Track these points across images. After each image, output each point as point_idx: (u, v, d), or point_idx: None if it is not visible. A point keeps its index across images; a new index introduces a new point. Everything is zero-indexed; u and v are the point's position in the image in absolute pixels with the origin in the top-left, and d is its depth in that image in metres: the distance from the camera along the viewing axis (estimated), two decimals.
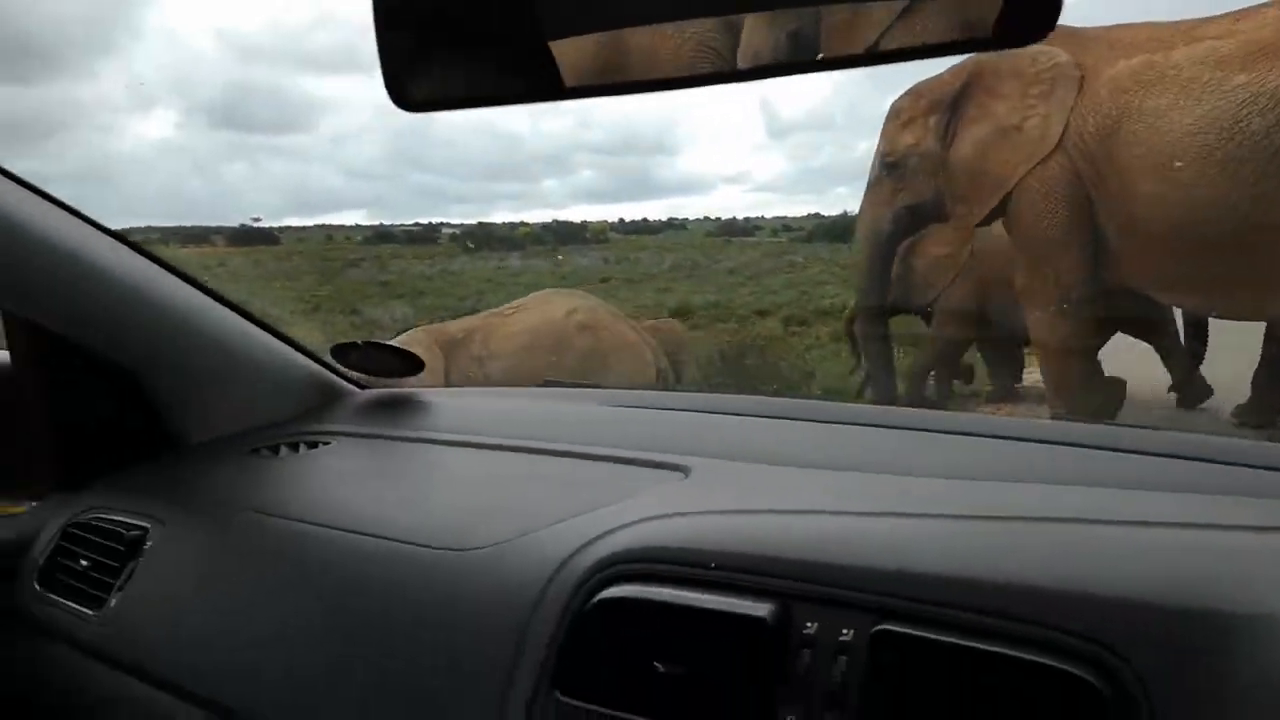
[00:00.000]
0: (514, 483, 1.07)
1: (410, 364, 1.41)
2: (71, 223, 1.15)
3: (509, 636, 0.80)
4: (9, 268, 1.11)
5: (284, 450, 1.27)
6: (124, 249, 1.20)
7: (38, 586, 1.18)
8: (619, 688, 0.74)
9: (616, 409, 1.30)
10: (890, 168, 6.13)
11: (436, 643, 0.84)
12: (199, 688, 0.97)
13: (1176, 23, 4.93)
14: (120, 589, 1.09)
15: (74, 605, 1.12)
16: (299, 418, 1.38)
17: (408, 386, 1.50)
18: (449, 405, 1.40)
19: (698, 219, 23.21)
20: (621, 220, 24.04)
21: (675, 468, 1.00)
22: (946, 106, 5.80)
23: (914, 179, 6.00)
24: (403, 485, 1.14)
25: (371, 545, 0.95)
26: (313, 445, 1.27)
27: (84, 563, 1.15)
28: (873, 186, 6.30)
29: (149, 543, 1.11)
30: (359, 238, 19.95)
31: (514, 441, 1.17)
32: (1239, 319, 5.11)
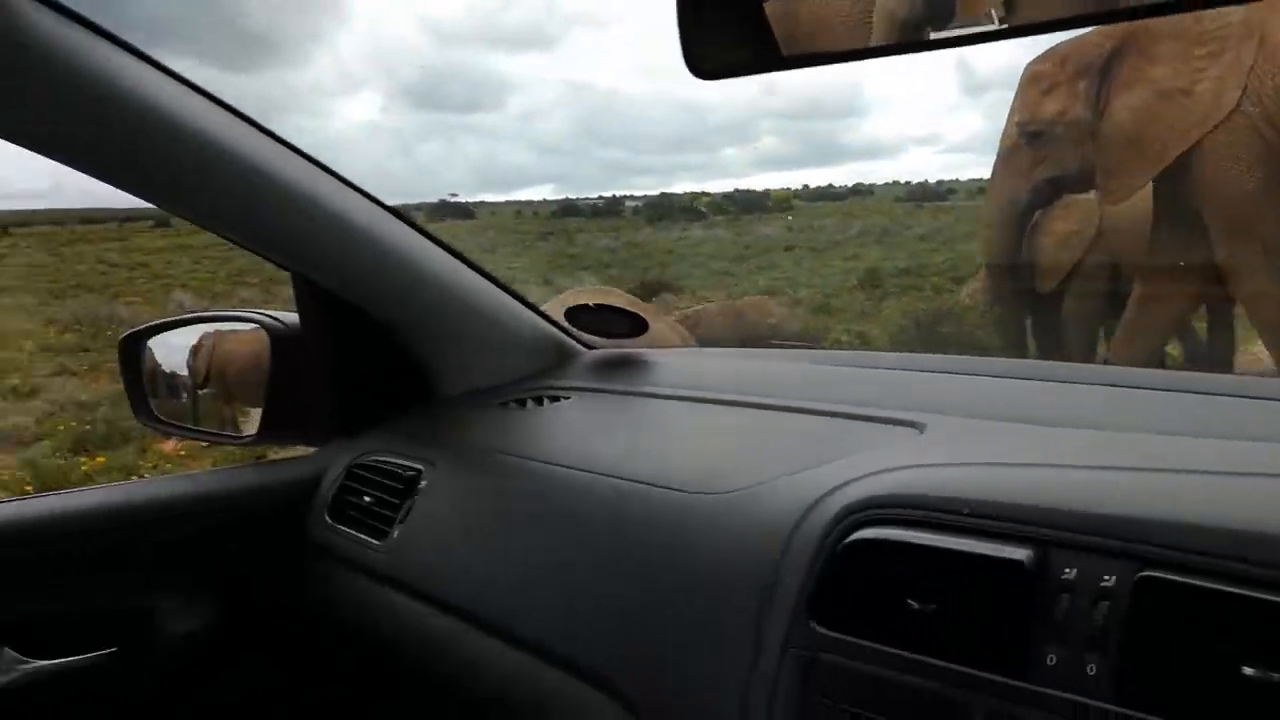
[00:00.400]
0: (750, 434, 1.13)
1: (637, 325, 1.50)
2: (351, 195, 1.29)
3: (761, 573, 0.85)
4: (301, 239, 1.27)
5: (529, 404, 1.38)
6: (395, 220, 1.34)
7: (328, 518, 1.35)
8: (873, 622, 0.78)
9: (839, 368, 1.33)
10: (1031, 137, 5.77)
11: (691, 577, 0.91)
12: (475, 609, 1.08)
13: None
14: (401, 522, 1.23)
15: (360, 535, 1.28)
16: (538, 374, 1.50)
17: (631, 347, 1.59)
18: (674, 364, 1.48)
19: (886, 184, 22.54)
20: (805, 187, 23.69)
21: (909, 424, 1.03)
22: (1096, 71, 5.36)
23: (1058, 149, 5.61)
24: (642, 435, 1.22)
25: (624, 487, 1.03)
26: (554, 399, 1.38)
27: (367, 499, 1.31)
28: (1007, 156, 5.96)
29: (423, 482, 1.24)
30: (547, 212, 20.66)
31: (741, 397, 1.22)
32: None
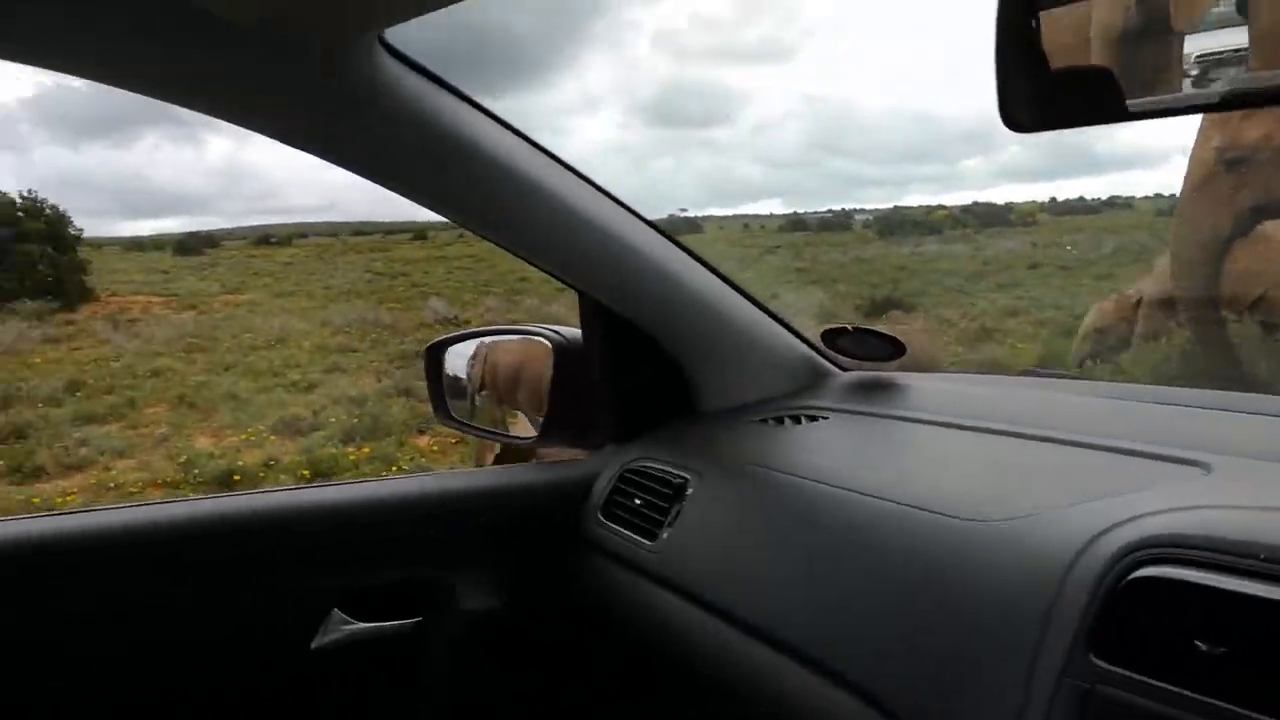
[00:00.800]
0: (1019, 464, 1.13)
1: (895, 349, 1.53)
2: (634, 222, 1.41)
3: (1037, 602, 0.86)
4: (592, 263, 1.41)
5: (787, 421, 1.45)
6: (670, 245, 1.46)
7: (601, 517, 1.48)
8: (1155, 660, 0.78)
9: (1109, 400, 1.30)
10: (1231, 164, 5.45)
11: (962, 601, 0.93)
12: (738, 611, 1.16)
13: None
14: (670, 525, 1.33)
15: (631, 535, 1.39)
16: (793, 394, 1.57)
17: (886, 370, 1.62)
18: (932, 389, 1.50)
19: (1146, 196, 20.73)
20: (1053, 200, 22.19)
21: (1194, 463, 1.00)
22: None
23: (1263, 176, 5.25)
24: (905, 459, 1.26)
25: (891, 509, 1.06)
26: (812, 419, 1.44)
27: (638, 501, 1.42)
28: (1204, 184, 5.62)
29: (690, 490, 1.34)
30: (774, 226, 20.66)
31: (1007, 426, 1.22)
32: None
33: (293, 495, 1.47)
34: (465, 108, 1.20)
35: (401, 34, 1.08)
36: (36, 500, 7.12)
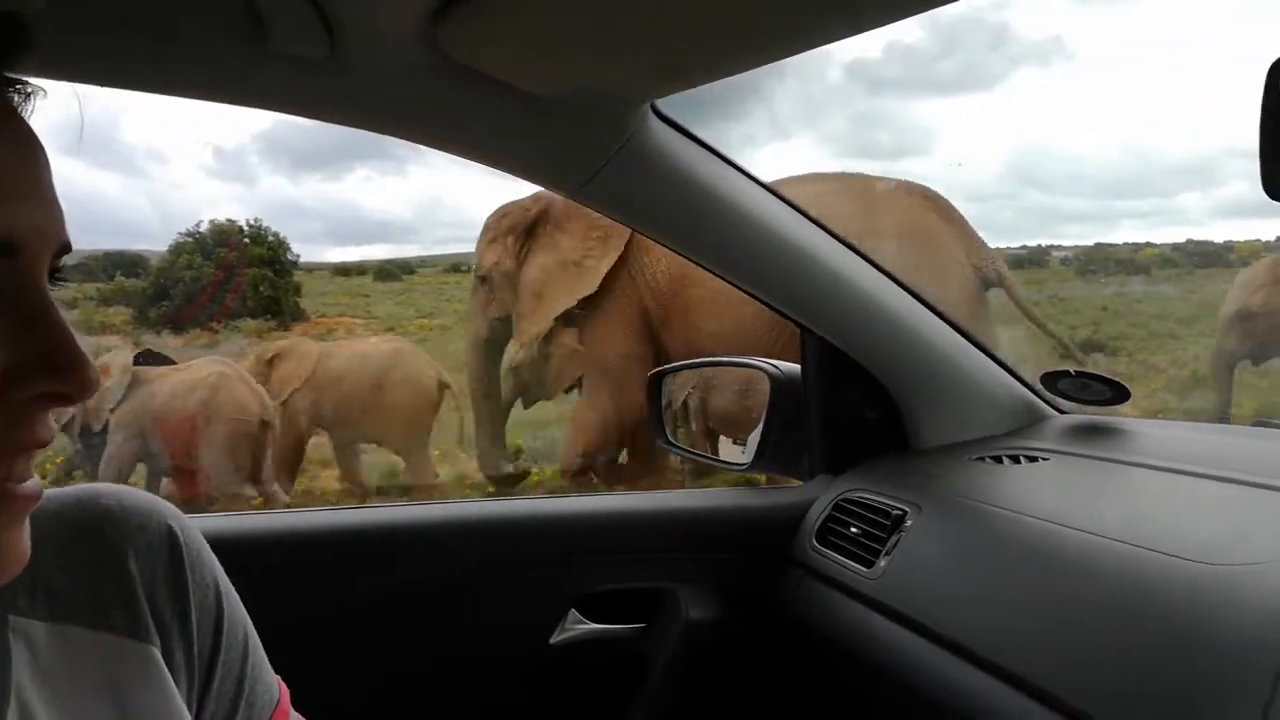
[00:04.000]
0: (1250, 512, 1.11)
1: (1118, 393, 1.52)
2: (859, 263, 1.49)
3: (1268, 650, 0.86)
4: (820, 303, 1.50)
5: (1005, 461, 1.48)
6: (887, 280, 1.53)
7: (815, 542, 1.56)
8: None
9: None
10: (481, 280, 7.02)
11: (1194, 646, 0.93)
12: (962, 641, 1.19)
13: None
14: (888, 554, 1.39)
15: (847, 561, 1.46)
16: (1011, 434, 1.59)
17: (1107, 414, 1.61)
18: (1157, 435, 1.48)
19: None
20: None
21: None
22: (522, 231, 6.65)
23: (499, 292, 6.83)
24: (1130, 501, 1.26)
25: (1119, 548, 1.08)
26: (1031, 459, 1.46)
27: (854, 530, 1.49)
28: (473, 293, 7.30)
29: (909, 521, 1.40)
30: None
31: (1237, 475, 1.20)
32: None
33: (538, 504, 1.63)
34: (718, 163, 1.33)
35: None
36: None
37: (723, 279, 1.48)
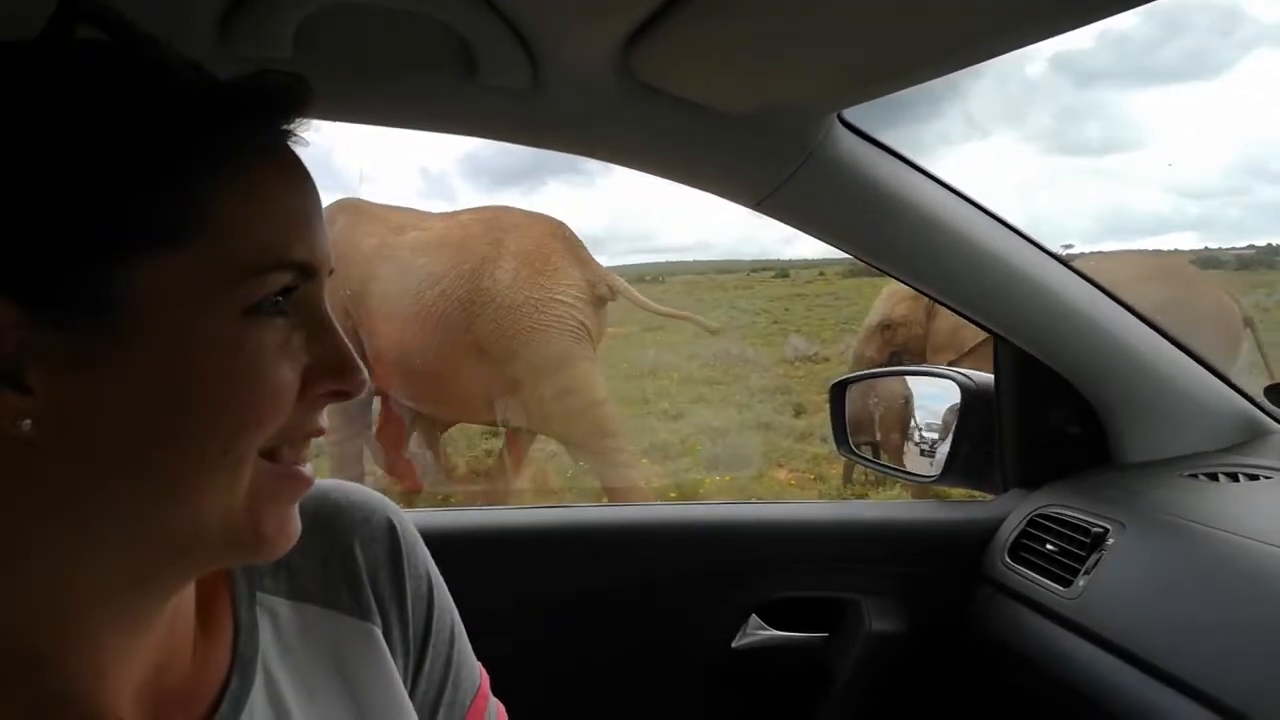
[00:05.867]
0: None
1: None
2: (1059, 269, 1.43)
3: None
4: (1016, 310, 1.45)
5: (1221, 478, 1.38)
6: (1087, 284, 1.45)
7: (1007, 558, 1.50)
8: None
9: None
10: None
11: None
12: (1165, 666, 1.13)
13: (416, 211, 6.89)
14: (1087, 573, 1.32)
15: (1042, 579, 1.40)
16: (1227, 450, 1.48)
17: None
18: None
19: None
20: None
21: None
22: None
23: None
24: None
25: None
26: (1251, 478, 1.36)
27: (1050, 547, 1.43)
28: None
29: (1110, 539, 1.33)
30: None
31: None
32: (456, 422, 7.33)
33: (727, 510, 1.66)
34: (906, 169, 1.32)
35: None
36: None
37: (913, 287, 1.46)
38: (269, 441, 0.60)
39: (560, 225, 6.87)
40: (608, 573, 1.54)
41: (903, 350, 7.29)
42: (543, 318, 6.42)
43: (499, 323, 6.38)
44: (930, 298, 1.48)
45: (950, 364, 6.97)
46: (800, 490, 8.57)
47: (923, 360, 7.19)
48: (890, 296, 7.48)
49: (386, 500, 0.80)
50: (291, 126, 0.62)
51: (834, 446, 1.93)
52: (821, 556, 1.58)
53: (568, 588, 1.53)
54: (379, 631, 0.74)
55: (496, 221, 6.77)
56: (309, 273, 0.61)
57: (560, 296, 6.48)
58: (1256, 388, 1.53)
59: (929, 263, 1.39)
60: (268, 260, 0.58)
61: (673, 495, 8.45)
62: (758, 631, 1.57)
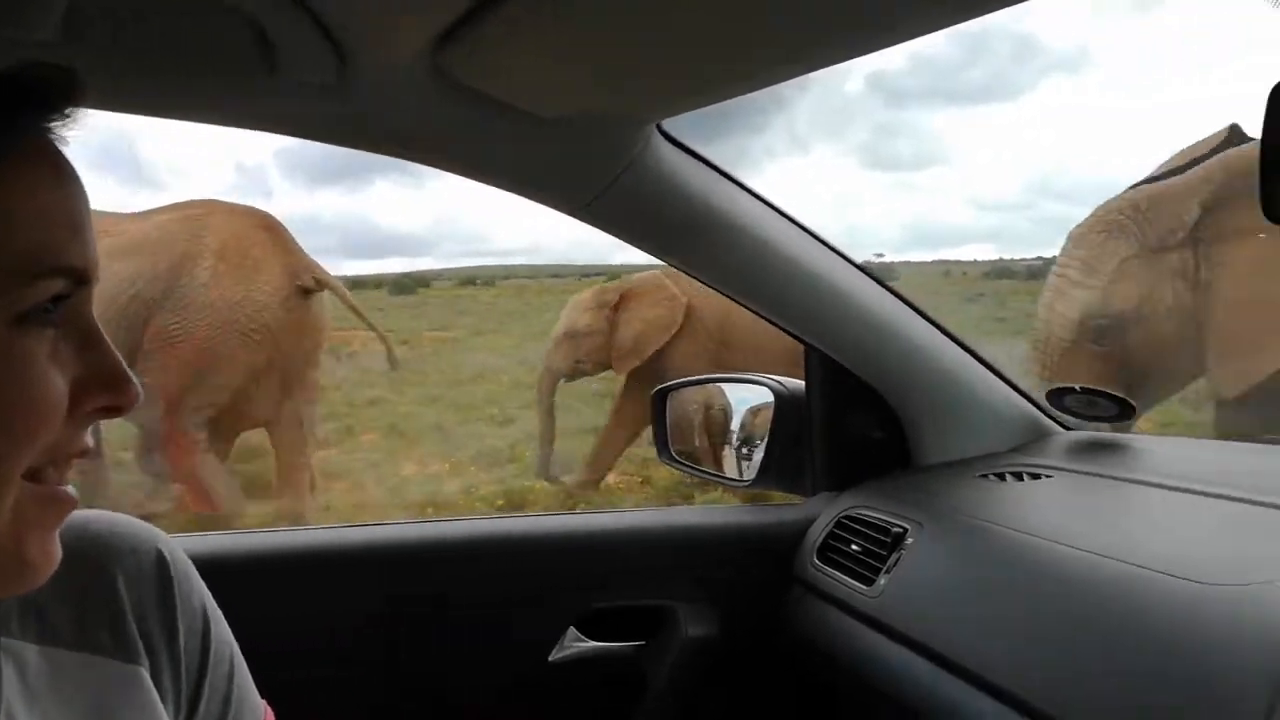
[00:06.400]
0: (1251, 531, 1.12)
1: (1124, 409, 1.52)
2: (860, 278, 1.50)
3: (1270, 672, 0.86)
4: (822, 319, 1.51)
5: (1008, 478, 1.48)
6: (895, 300, 1.53)
7: (816, 560, 1.56)
8: None
9: None
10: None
11: (1190, 667, 0.93)
12: (957, 658, 1.20)
13: (111, 215, 6.46)
14: (888, 572, 1.39)
15: (848, 579, 1.46)
16: (1015, 451, 1.59)
17: (1111, 431, 1.61)
18: (1163, 452, 1.48)
19: None
20: None
21: None
22: None
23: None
24: (1132, 520, 1.27)
25: (1113, 566, 1.08)
26: (1034, 476, 1.46)
27: (854, 547, 1.49)
28: None
29: (909, 539, 1.40)
30: (978, 272, 19.76)
31: (1241, 493, 1.20)
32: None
33: (540, 521, 1.64)
34: (723, 182, 1.34)
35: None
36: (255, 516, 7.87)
37: (729, 297, 1.49)
38: (34, 460, 0.55)
39: (265, 216, 6.80)
40: (412, 592, 1.48)
41: (589, 359, 7.73)
42: (230, 317, 6.33)
43: (188, 324, 6.28)
44: (746, 307, 1.52)
45: (634, 370, 7.38)
46: (628, 493, 8.65)
47: (607, 366, 7.77)
48: (575, 307, 7.90)
49: (155, 530, 0.74)
50: (56, 122, 0.57)
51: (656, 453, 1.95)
52: (638, 564, 1.58)
53: (370, 609, 1.46)
54: (146, 673, 0.68)
55: (198, 218, 6.64)
56: (81, 279, 0.57)
57: (255, 295, 6.39)
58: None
59: (745, 274, 1.43)
60: (38, 265, 0.54)
61: (500, 503, 8.34)
62: (574, 644, 1.56)
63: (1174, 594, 1.00)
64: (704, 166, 1.32)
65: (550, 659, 1.54)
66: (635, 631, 1.61)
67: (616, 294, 7.92)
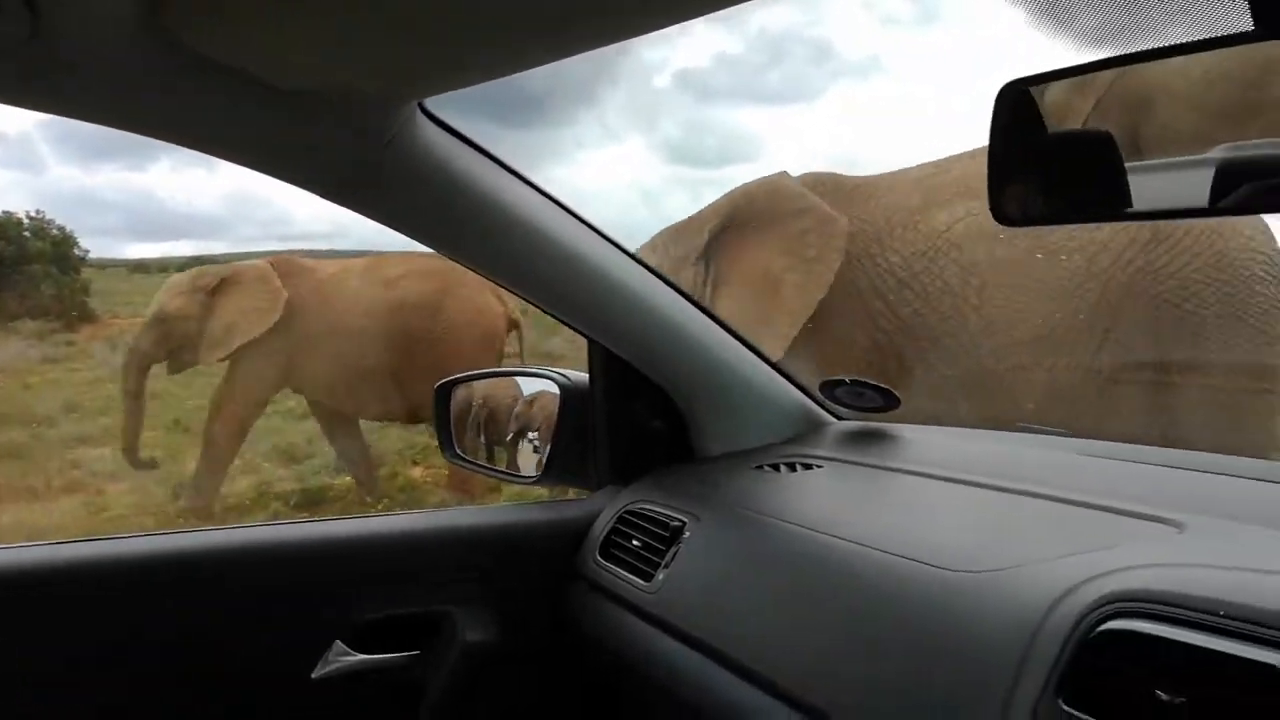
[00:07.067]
0: (999, 518, 1.19)
1: (890, 400, 1.58)
2: (643, 274, 1.48)
3: (1015, 649, 0.91)
4: (601, 312, 1.48)
5: (783, 469, 1.50)
6: (676, 295, 1.52)
7: (599, 557, 1.53)
8: (1119, 709, 0.83)
9: (1096, 459, 1.35)
10: None
11: (947, 648, 0.97)
12: (729, 652, 1.20)
13: None
14: (665, 566, 1.38)
15: (628, 575, 1.44)
16: (790, 441, 1.63)
17: (879, 420, 1.68)
18: (925, 441, 1.56)
19: None
20: None
21: (1169, 522, 1.06)
22: None
23: None
24: (893, 508, 1.31)
25: (874, 556, 1.12)
26: (806, 467, 1.50)
27: (635, 542, 1.47)
28: None
29: (687, 533, 1.39)
30: None
31: (991, 480, 1.28)
32: None
33: (300, 529, 1.52)
34: (493, 167, 1.27)
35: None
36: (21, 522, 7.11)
37: (504, 287, 1.44)
38: None
39: None
40: (166, 608, 1.34)
41: (180, 346, 7.26)
42: None
43: None
44: (522, 298, 1.46)
45: (221, 361, 7.06)
46: (437, 488, 8.42)
47: (196, 355, 7.30)
48: (168, 289, 7.46)
49: None
50: None
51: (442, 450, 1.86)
52: (412, 570, 1.50)
53: (99, 640, 1.31)
54: None
55: None
56: None
57: None
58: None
59: (516, 263, 1.37)
60: None
61: (296, 501, 7.91)
62: (341, 659, 1.45)
63: (929, 582, 1.04)
64: (473, 150, 1.25)
65: (314, 676, 1.43)
66: (412, 641, 1.52)
67: (216, 279, 7.26)
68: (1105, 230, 4.36)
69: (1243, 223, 4.43)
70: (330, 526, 1.53)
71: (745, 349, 1.61)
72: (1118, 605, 0.88)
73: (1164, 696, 0.81)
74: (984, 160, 0.74)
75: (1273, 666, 0.76)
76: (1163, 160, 0.90)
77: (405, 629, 1.50)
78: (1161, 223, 4.22)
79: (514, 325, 7.22)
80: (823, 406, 1.70)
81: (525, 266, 1.38)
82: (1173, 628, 0.83)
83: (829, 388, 1.64)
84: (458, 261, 1.39)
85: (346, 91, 1.08)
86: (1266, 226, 4.56)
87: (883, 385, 1.59)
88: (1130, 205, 0.81)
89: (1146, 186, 0.85)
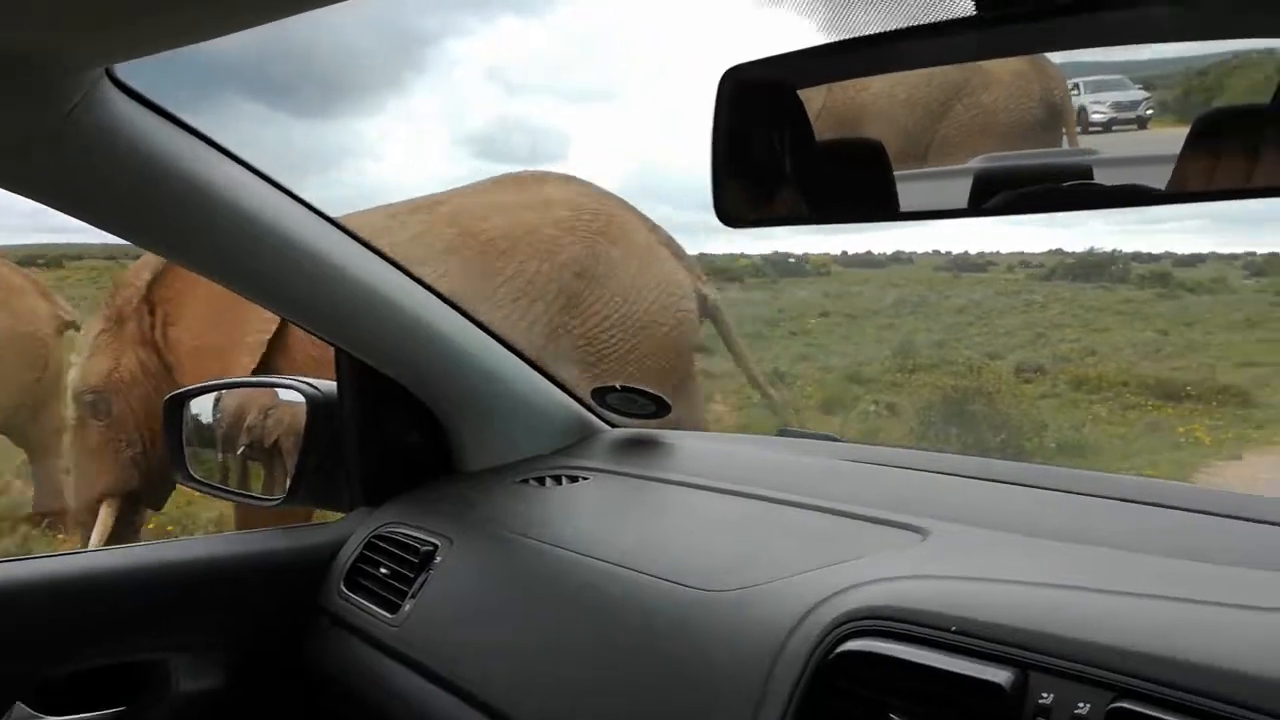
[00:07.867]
0: (755, 530, 1.15)
1: (660, 407, 1.54)
2: (395, 274, 1.35)
3: (754, 676, 0.88)
4: (343, 316, 1.34)
5: (548, 482, 1.42)
6: (432, 297, 1.40)
7: (343, 587, 1.39)
8: None
9: (852, 464, 1.35)
10: None
11: (686, 674, 0.93)
12: (477, 692, 1.11)
13: None
14: (413, 596, 1.26)
15: (373, 607, 1.31)
16: (559, 452, 1.54)
17: (651, 427, 1.63)
18: (692, 448, 1.51)
19: (926, 253, 22.68)
20: (844, 253, 23.83)
21: (913, 529, 1.05)
22: None
23: None
24: (652, 524, 1.25)
25: (628, 577, 1.06)
26: (573, 479, 1.42)
27: (383, 570, 1.34)
28: None
29: (438, 558, 1.28)
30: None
31: (752, 489, 1.25)
32: None
33: None
34: (202, 147, 1.10)
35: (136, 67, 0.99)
36: None
37: (225, 286, 1.26)
38: None
39: None
40: None
41: None
42: None
43: None
44: (246, 298, 1.30)
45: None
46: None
47: None
48: None
49: None
50: None
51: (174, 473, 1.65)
52: (122, 614, 1.30)
53: None
54: None
55: None
56: None
57: None
58: None
59: (232, 258, 1.21)
60: None
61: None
62: None
63: (681, 604, 0.99)
64: (172, 125, 1.08)
65: None
66: (115, 697, 1.32)
67: None
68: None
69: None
70: (24, 568, 1.30)
71: (510, 354, 1.51)
72: (856, 624, 0.85)
73: (895, 719, 0.78)
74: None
75: (997, 684, 0.75)
76: (928, 170, 0.93)
77: (109, 682, 1.31)
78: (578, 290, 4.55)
79: (67, 326, 6.46)
80: (595, 414, 1.63)
81: (242, 261, 1.21)
82: (906, 646, 0.81)
83: (600, 395, 1.58)
84: (156, 253, 1.21)
85: (19, 51, 0.89)
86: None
87: (654, 392, 1.54)
88: (899, 208, 0.84)
89: (914, 191, 0.88)
